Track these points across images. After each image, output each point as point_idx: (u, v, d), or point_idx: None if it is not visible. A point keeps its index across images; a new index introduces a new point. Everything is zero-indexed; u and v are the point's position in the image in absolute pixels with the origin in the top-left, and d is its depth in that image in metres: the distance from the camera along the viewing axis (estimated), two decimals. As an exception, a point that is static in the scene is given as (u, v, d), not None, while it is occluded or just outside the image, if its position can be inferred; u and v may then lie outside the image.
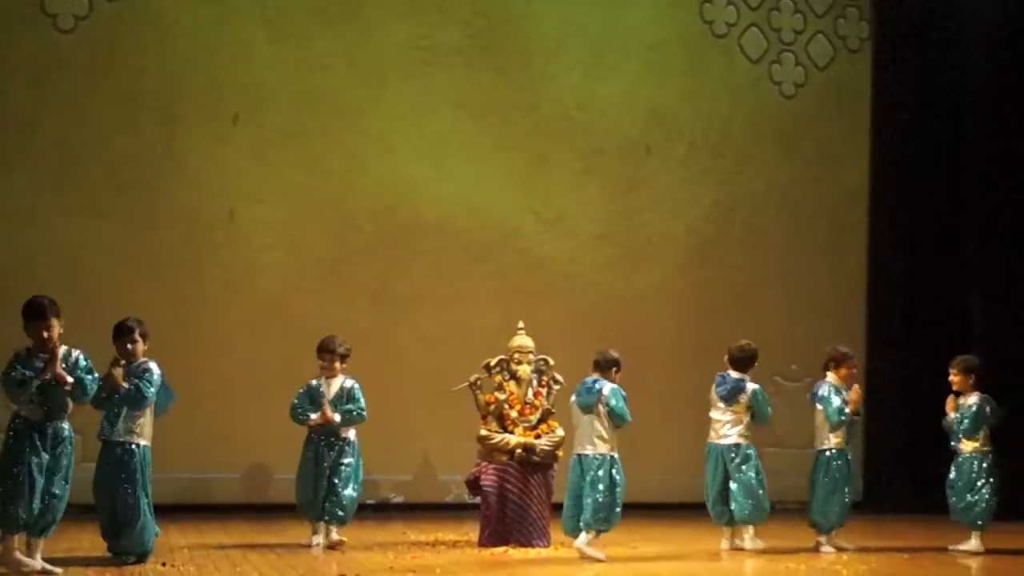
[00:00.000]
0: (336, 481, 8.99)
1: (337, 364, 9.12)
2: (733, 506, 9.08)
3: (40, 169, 10.99)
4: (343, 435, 9.07)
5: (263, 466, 11.12)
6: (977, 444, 9.30)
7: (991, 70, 12.31)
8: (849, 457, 9.37)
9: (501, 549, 8.80)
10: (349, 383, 9.14)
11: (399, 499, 11.61)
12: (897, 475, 10.25)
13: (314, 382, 9.15)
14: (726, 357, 9.33)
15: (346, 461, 9.05)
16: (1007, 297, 11.85)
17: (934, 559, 9.00)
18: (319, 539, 8.94)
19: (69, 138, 11.06)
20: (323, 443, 9.03)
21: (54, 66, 11.05)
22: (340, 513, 9.00)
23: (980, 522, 9.22)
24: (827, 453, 9.29)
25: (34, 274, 10.80)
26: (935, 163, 12.45)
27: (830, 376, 9.43)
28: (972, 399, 9.31)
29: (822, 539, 9.23)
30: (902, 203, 12.57)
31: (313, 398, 9.05)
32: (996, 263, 12.06)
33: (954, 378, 9.46)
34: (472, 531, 9.33)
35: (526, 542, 8.90)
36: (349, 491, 9.04)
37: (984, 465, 9.27)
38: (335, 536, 9.09)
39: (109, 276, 11.02)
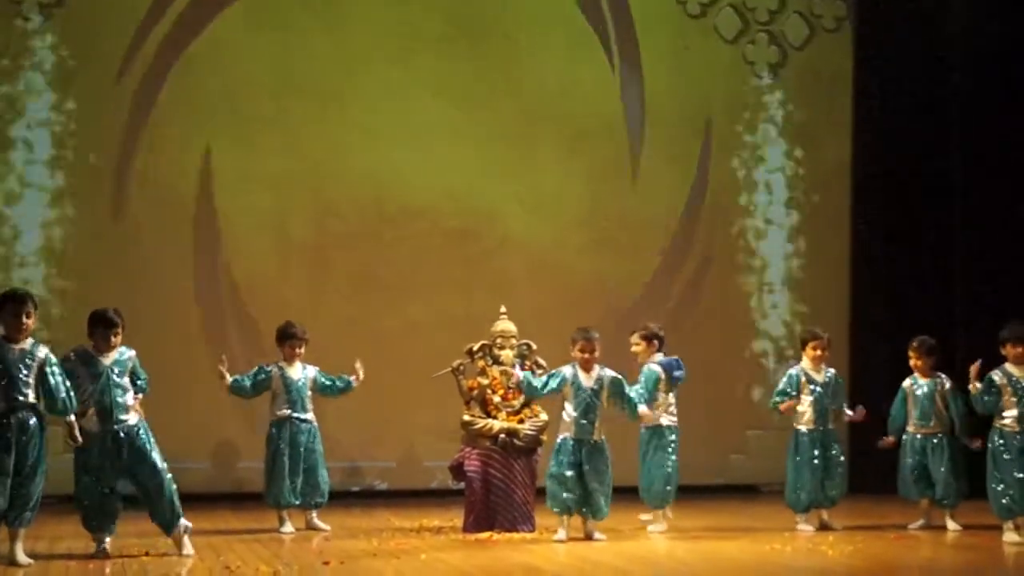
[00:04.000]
0: (315, 465, 9.19)
1: (302, 349, 9.34)
2: (669, 486, 9.25)
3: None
4: (311, 419, 9.24)
5: (242, 454, 11.08)
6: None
7: (971, 45, 12.28)
8: (822, 436, 9.41)
9: (486, 534, 8.80)
10: (313, 370, 9.37)
11: (383, 486, 11.61)
12: (883, 455, 10.25)
13: (272, 368, 9.24)
14: (657, 341, 9.43)
15: (318, 447, 9.32)
16: (990, 278, 11.85)
17: (920, 538, 9.04)
18: (291, 526, 9.03)
19: (48, 124, 11.02)
20: (295, 426, 9.16)
21: (27, 53, 10.99)
22: (321, 499, 9.22)
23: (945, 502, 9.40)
24: (796, 434, 9.41)
25: (11, 263, 10.84)
26: (918, 143, 12.42)
27: (804, 357, 9.52)
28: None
29: (799, 519, 9.30)
30: (885, 183, 12.55)
31: (263, 385, 9.25)
32: (980, 243, 12.06)
33: (916, 361, 9.53)
34: (457, 517, 9.33)
35: (511, 527, 8.90)
36: (325, 474, 9.31)
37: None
38: (320, 524, 9.20)
39: (87, 264, 10.99)
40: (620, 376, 8.81)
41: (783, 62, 12.78)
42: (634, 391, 8.95)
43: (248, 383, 9.26)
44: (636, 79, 12.41)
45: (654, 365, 9.34)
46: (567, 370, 8.73)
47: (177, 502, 7.85)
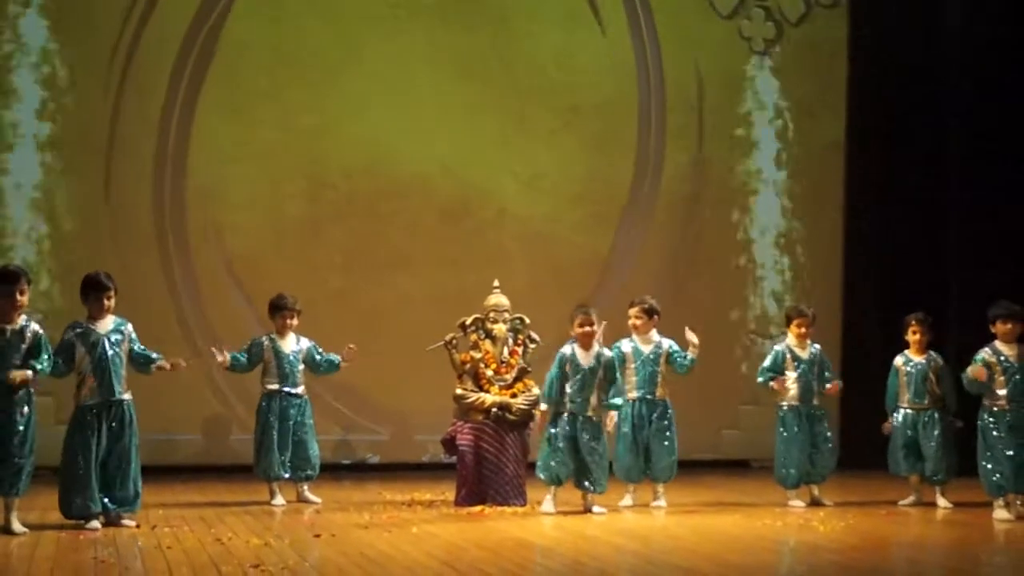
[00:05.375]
0: (305, 438, 9.20)
1: (295, 321, 9.30)
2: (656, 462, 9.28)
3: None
4: (301, 392, 9.21)
5: (233, 427, 11.07)
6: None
7: (967, 22, 12.24)
8: (809, 412, 9.41)
9: (477, 508, 8.82)
10: (307, 342, 9.32)
11: (375, 459, 11.61)
12: (875, 432, 10.29)
13: (264, 340, 9.24)
14: (656, 316, 9.40)
15: (309, 420, 9.30)
16: (983, 254, 11.85)
17: (910, 515, 9.07)
18: (282, 499, 9.05)
19: (39, 98, 10.97)
20: (285, 400, 9.14)
21: (20, 25, 10.93)
22: (312, 472, 9.24)
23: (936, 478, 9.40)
24: (782, 410, 9.43)
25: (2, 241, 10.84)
26: (913, 120, 12.40)
27: (789, 334, 9.53)
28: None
29: (789, 495, 9.33)
30: (879, 159, 12.54)
31: (257, 357, 9.23)
32: (973, 219, 12.05)
33: (919, 336, 9.52)
34: (448, 491, 9.33)
35: (503, 501, 8.92)
36: (315, 447, 9.32)
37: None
38: (311, 496, 9.22)
39: (77, 237, 10.96)
40: (613, 361, 8.86)
41: (779, 38, 12.70)
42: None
43: (243, 359, 9.26)
44: (631, 53, 12.35)
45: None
46: (566, 349, 8.78)
47: (140, 485, 7.92)
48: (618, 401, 8.86)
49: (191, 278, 11.25)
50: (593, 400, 8.72)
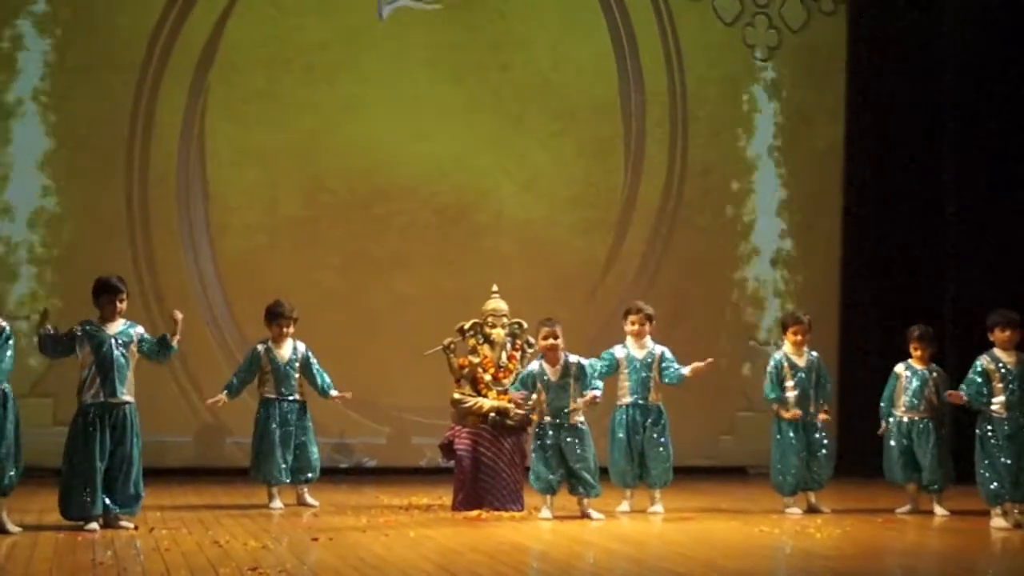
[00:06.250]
0: (306, 442, 9.19)
1: (291, 329, 9.28)
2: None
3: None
4: (298, 397, 9.24)
5: (230, 429, 11.06)
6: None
7: (965, 29, 12.25)
8: (805, 419, 9.36)
9: (474, 513, 8.81)
10: (303, 347, 9.29)
11: (372, 463, 11.60)
12: (872, 440, 10.30)
13: (260, 348, 9.22)
14: (652, 322, 9.41)
15: (309, 424, 9.32)
16: (981, 260, 11.86)
17: (907, 522, 9.07)
18: (280, 502, 9.03)
19: (38, 97, 10.97)
20: (284, 406, 9.15)
21: (24, 25, 10.93)
22: (312, 475, 9.23)
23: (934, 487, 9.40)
24: (779, 418, 9.39)
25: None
26: (912, 125, 12.41)
27: (786, 341, 9.50)
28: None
29: (786, 502, 9.32)
30: (877, 165, 12.55)
31: (256, 366, 9.24)
32: (971, 225, 12.06)
33: (919, 352, 9.49)
34: (446, 495, 9.33)
35: (500, 506, 8.91)
36: (315, 450, 9.32)
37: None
38: (309, 500, 9.22)
39: (78, 237, 10.95)
40: (583, 363, 8.83)
41: (780, 45, 12.71)
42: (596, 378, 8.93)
43: (242, 381, 9.25)
44: (630, 57, 12.35)
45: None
46: (534, 367, 8.79)
47: (141, 488, 7.93)
48: (598, 384, 8.83)
49: (185, 279, 11.22)
50: (568, 410, 8.72)
